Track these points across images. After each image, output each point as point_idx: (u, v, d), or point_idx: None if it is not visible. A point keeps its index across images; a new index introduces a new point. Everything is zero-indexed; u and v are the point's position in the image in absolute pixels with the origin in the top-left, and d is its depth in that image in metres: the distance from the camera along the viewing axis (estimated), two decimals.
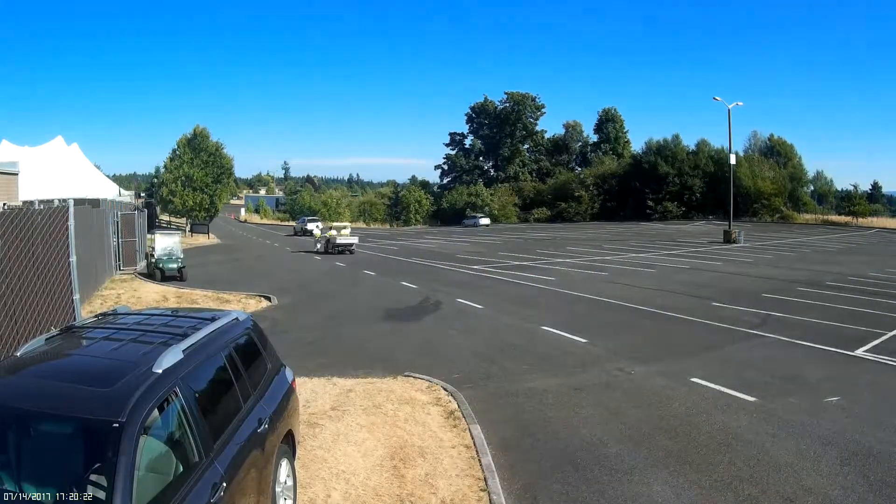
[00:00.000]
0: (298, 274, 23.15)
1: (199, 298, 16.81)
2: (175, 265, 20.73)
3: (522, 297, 16.83)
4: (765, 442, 6.59)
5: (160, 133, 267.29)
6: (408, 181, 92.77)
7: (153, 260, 21.18)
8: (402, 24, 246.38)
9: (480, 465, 6.02)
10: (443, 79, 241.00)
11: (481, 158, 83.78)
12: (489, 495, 5.41)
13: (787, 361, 9.91)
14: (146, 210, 34.44)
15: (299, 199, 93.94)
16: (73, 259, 8.66)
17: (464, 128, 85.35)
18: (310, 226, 48.37)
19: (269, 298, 16.61)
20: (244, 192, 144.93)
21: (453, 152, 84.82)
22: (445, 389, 8.39)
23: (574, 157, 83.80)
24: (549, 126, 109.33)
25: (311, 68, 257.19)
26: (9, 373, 3.59)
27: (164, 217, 57.09)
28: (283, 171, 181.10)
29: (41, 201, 10.14)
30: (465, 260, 26.75)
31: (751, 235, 38.35)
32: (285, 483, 4.81)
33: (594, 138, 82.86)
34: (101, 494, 2.85)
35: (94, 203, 20.51)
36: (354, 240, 31.64)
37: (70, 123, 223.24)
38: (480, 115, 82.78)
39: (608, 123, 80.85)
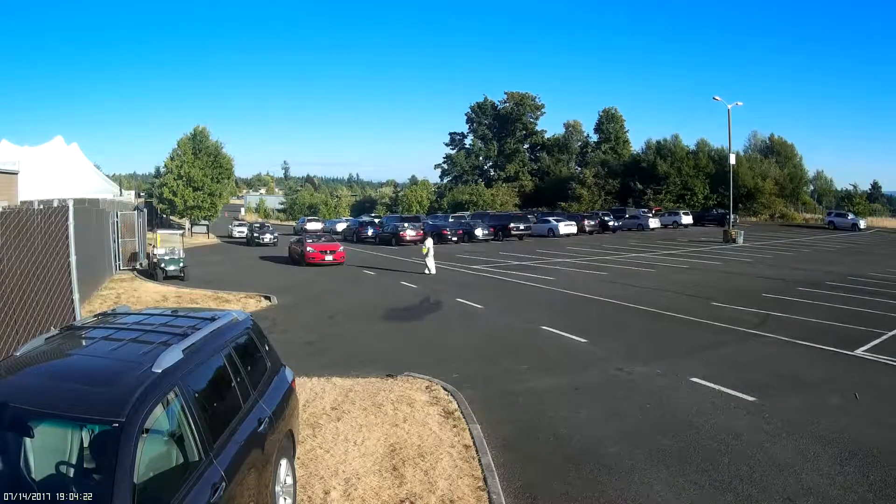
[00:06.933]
0: (298, 273, 23.13)
1: (199, 298, 16.80)
2: (176, 266, 20.77)
3: (522, 297, 16.82)
4: (765, 442, 6.59)
5: (160, 133, 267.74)
6: (408, 181, 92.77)
7: (155, 260, 21.20)
8: (403, 24, 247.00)
9: (480, 464, 6.02)
10: (443, 79, 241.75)
11: (481, 158, 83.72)
12: (489, 495, 5.41)
13: (787, 361, 9.91)
14: (146, 210, 34.41)
15: (299, 198, 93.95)
16: (73, 259, 8.66)
17: (464, 127, 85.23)
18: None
19: (268, 298, 16.61)
20: (244, 191, 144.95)
21: (453, 152, 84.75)
22: (445, 389, 8.40)
23: (574, 156, 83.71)
24: (549, 126, 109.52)
25: (311, 68, 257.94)
26: (9, 373, 3.59)
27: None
28: (283, 171, 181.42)
29: (41, 201, 10.15)
30: (465, 260, 26.74)
31: (750, 235, 38.30)
32: (285, 482, 4.82)
33: (594, 138, 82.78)
34: (101, 494, 2.85)
35: (94, 203, 20.55)
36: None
37: (70, 123, 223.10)
38: (480, 115, 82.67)
39: (609, 123, 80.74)
